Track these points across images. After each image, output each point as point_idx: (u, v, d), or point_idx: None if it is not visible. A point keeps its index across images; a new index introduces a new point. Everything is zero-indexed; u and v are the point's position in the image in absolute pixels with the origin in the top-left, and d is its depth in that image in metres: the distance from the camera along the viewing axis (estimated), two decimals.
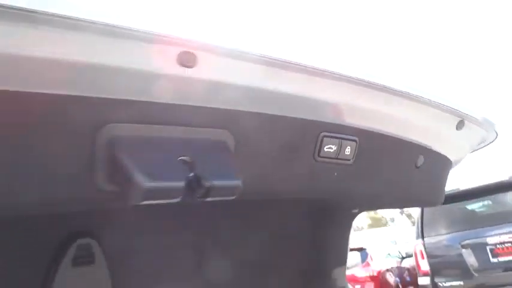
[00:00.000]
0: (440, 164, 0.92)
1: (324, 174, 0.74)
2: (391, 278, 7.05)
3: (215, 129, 0.60)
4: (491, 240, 4.96)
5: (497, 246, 4.92)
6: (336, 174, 0.75)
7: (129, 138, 0.54)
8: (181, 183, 0.53)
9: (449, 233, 5.40)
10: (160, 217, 0.77)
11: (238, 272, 1.00)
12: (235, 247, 1.01)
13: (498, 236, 4.93)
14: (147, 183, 0.51)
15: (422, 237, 5.56)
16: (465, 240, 5.18)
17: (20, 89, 0.45)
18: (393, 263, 8.05)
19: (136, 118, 0.54)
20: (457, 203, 5.38)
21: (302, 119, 0.67)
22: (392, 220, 34.98)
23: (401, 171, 0.87)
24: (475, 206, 5.53)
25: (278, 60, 0.56)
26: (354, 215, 1.16)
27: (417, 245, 5.59)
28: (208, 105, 0.58)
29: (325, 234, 1.14)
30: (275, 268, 1.08)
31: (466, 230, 5.27)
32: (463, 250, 5.15)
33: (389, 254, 8.52)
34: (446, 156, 0.90)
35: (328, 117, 0.68)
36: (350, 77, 0.62)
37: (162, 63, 0.50)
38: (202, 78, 0.53)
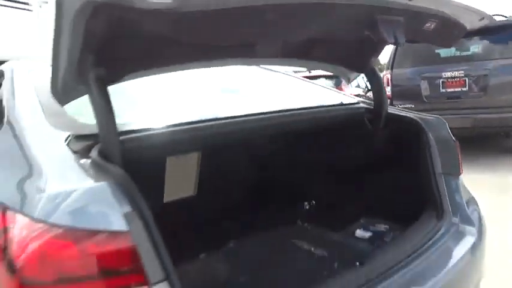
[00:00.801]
0: (463, 31, 1.66)
1: (420, 32, 1.53)
2: None
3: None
4: (445, 74, 6.04)
5: (448, 80, 6.02)
6: (423, 35, 1.56)
7: (385, 19, 1.27)
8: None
9: (413, 67, 6.41)
10: None
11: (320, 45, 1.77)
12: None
13: (451, 72, 5.99)
14: (392, 39, 1.27)
15: (392, 69, 6.56)
16: (425, 73, 6.24)
17: None
18: (360, 91, 9.42)
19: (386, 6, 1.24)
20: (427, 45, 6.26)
21: (423, 11, 1.35)
22: None
23: (445, 34, 1.66)
24: (441, 49, 6.44)
25: None
26: None
27: (386, 75, 6.59)
28: None
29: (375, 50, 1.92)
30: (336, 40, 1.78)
31: (428, 66, 6.28)
32: (421, 81, 6.22)
33: (358, 85, 9.82)
34: (467, 28, 1.65)
35: (434, 8, 1.38)
36: None
37: None
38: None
